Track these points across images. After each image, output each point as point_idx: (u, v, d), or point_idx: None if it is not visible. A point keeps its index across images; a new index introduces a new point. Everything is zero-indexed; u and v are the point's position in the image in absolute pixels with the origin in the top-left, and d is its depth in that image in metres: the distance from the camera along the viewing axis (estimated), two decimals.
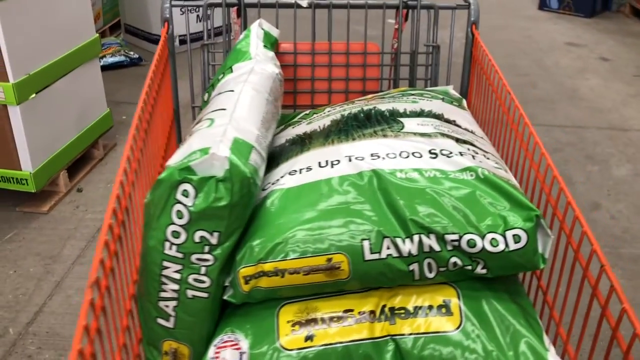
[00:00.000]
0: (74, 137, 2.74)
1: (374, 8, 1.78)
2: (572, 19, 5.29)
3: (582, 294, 1.02)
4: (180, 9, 3.70)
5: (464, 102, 1.62)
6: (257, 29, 1.56)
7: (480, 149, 1.24)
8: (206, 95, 1.47)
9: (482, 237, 1.04)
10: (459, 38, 1.94)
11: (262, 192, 1.19)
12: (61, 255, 2.37)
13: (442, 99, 1.48)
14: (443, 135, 1.25)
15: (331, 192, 1.12)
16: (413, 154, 1.17)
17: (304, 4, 1.74)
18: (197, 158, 0.99)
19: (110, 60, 4.02)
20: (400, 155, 1.17)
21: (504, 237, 1.04)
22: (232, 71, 1.40)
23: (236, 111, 1.17)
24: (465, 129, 1.33)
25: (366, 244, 1.05)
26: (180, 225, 1.00)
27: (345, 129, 1.32)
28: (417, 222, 1.05)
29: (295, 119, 1.55)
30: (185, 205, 0.99)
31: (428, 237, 1.05)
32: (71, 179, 2.80)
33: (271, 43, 1.59)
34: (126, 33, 4.58)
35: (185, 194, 0.99)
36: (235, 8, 1.79)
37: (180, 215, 0.99)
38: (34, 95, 2.44)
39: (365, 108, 1.41)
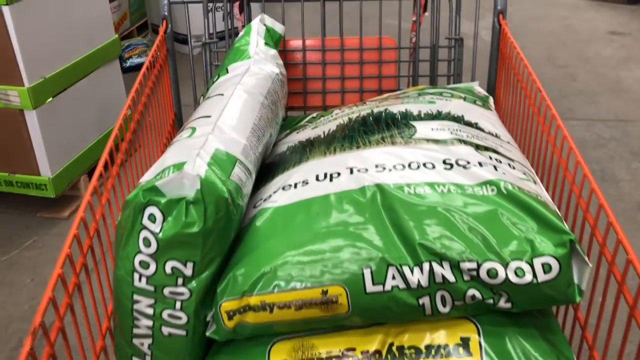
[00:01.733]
0: (94, 140, 2.66)
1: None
2: (615, 6, 5.00)
3: (629, 334, 0.84)
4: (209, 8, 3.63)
5: (491, 100, 1.44)
6: (259, 25, 1.41)
7: (505, 156, 1.07)
8: (201, 99, 1.33)
9: (505, 265, 0.87)
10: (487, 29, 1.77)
11: (252, 210, 1.04)
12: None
13: (464, 98, 1.31)
14: (461, 141, 1.08)
15: (328, 211, 0.97)
16: (424, 164, 1.01)
17: None
18: (166, 176, 0.85)
19: (136, 61, 3.98)
20: (409, 166, 1.01)
21: (532, 265, 0.86)
22: (227, 72, 1.26)
23: (222, 118, 1.03)
24: (489, 133, 1.16)
25: (367, 273, 0.89)
26: (148, 255, 0.86)
27: (350, 134, 1.16)
28: (427, 247, 0.89)
29: (302, 123, 1.40)
30: (152, 231, 0.84)
31: (441, 265, 0.88)
32: None
33: (275, 40, 1.44)
34: (153, 33, 4.50)
35: (152, 218, 0.84)
36: (237, 3, 1.64)
37: (147, 243, 0.85)
38: (50, 99, 2.35)
39: (375, 110, 1.25)
